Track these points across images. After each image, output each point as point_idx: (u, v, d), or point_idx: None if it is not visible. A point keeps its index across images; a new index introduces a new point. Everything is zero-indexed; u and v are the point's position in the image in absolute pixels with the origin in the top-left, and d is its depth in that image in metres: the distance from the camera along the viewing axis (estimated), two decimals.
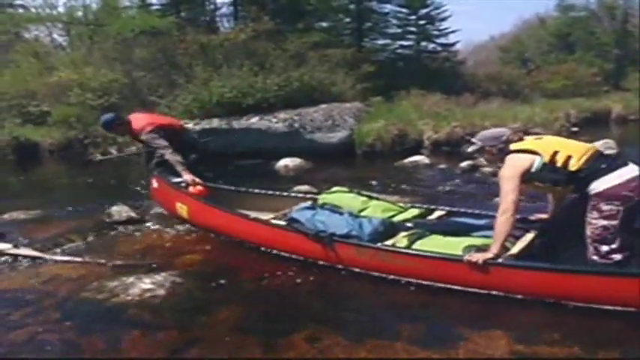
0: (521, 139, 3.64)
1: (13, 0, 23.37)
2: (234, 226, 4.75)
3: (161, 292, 3.58)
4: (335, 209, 4.46)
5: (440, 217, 4.54)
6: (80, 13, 20.48)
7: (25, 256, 4.43)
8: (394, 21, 23.45)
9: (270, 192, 5.60)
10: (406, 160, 9.73)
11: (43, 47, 19.33)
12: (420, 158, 9.85)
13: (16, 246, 4.63)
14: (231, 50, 14.52)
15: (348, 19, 22.62)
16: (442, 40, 24.27)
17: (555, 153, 3.41)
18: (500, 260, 3.41)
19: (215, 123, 11.62)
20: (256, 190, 5.67)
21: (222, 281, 3.83)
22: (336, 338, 2.90)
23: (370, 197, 4.85)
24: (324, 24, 21.15)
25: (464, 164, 8.66)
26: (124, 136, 6.40)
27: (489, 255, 3.39)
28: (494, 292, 3.41)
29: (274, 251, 4.40)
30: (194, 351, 2.84)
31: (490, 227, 3.68)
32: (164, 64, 15.56)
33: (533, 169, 3.44)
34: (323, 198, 4.86)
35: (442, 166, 9.21)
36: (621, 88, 24.31)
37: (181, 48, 15.30)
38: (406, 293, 3.54)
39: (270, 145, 10.88)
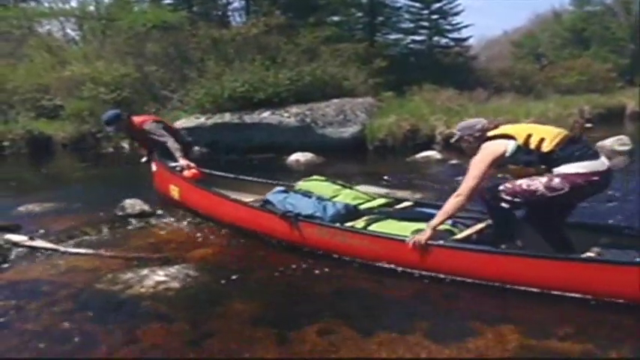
0: (496, 127, 3.77)
1: None
2: (216, 207, 5.14)
3: (175, 284, 3.61)
4: (306, 194, 4.72)
5: (405, 208, 4.73)
6: (92, 8, 20.56)
7: (40, 248, 4.48)
8: (407, 15, 23.44)
9: (257, 179, 5.96)
10: (418, 156, 9.72)
11: (55, 42, 19.44)
12: (432, 153, 9.84)
13: (32, 238, 4.67)
14: (243, 45, 14.56)
15: (360, 14, 22.58)
16: (455, 35, 24.17)
17: (529, 136, 3.51)
18: (441, 241, 3.64)
19: (227, 117, 11.65)
20: (243, 177, 6.07)
21: (235, 274, 3.85)
22: (348, 331, 2.90)
23: (344, 186, 5.07)
24: (336, 18, 21.16)
25: None
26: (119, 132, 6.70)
27: (428, 231, 3.60)
28: (440, 275, 3.60)
29: (249, 230, 4.75)
30: (208, 343, 2.86)
31: (455, 221, 3.99)
32: (176, 59, 15.64)
33: (507, 154, 3.53)
34: (299, 185, 5.06)
35: (454, 161, 9.17)
36: (636, 84, 24.04)
37: (193, 42, 15.36)
38: (418, 285, 3.55)
39: (282, 140, 10.90)
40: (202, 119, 11.86)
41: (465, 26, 23.69)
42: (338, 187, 4.98)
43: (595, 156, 3.47)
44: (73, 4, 20.92)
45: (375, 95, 13.92)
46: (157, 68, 15.48)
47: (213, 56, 14.26)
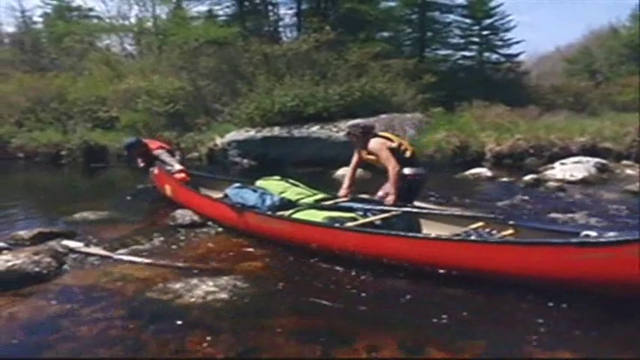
0: (372, 130, 5.50)
1: (88, 11, 24.57)
2: (192, 201, 6.20)
3: (223, 295, 3.65)
4: (255, 189, 5.59)
5: (337, 202, 5.51)
6: (150, 24, 21.24)
7: (94, 255, 4.62)
8: (457, 31, 23.17)
9: (228, 178, 7.01)
10: (467, 172, 9.57)
11: (114, 56, 20.17)
12: (482, 171, 9.67)
13: (87, 245, 4.83)
14: (293, 60, 14.73)
15: (409, 30, 22.49)
16: (506, 51, 23.77)
17: (400, 144, 5.27)
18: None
19: (276, 131, 11.80)
20: (221, 177, 7.23)
21: (283, 287, 3.88)
22: (397, 349, 2.86)
23: (294, 184, 5.87)
24: (386, 34, 21.14)
25: (527, 178, 8.44)
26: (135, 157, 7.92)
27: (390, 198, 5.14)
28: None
29: (213, 218, 5.76)
30: (255, 355, 2.87)
31: (367, 210, 5.09)
32: (228, 73, 15.93)
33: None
34: (258, 183, 5.91)
35: (504, 179, 9.01)
36: None
37: (245, 57, 15.63)
38: (468, 300, 3.48)
39: (330, 154, 10.92)
40: (252, 132, 12.05)
41: (517, 42, 23.26)
42: (288, 185, 5.82)
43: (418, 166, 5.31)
44: (132, 20, 21.72)
45: (424, 111, 13.82)
46: (210, 82, 15.82)
47: (265, 71, 14.49)
